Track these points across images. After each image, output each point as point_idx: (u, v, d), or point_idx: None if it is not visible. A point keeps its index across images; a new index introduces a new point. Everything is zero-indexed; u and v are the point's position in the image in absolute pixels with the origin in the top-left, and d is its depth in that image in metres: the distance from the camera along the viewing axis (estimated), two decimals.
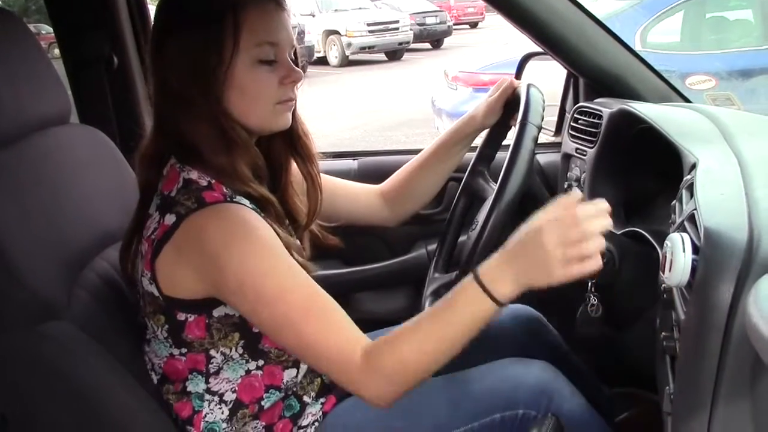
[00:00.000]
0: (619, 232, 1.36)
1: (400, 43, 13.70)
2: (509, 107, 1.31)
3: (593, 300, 1.21)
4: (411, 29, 13.92)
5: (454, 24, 16.61)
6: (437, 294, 1.20)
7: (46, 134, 1.19)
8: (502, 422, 1.16)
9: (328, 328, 1.00)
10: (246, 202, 1.06)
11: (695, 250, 0.84)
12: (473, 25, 19.13)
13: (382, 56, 13.70)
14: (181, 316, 1.06)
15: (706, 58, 4.60)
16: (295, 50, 1.13)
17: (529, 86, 1.18)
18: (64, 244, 1.09)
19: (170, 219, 1.03)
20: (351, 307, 1.10)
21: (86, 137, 1.33)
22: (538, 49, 1.73)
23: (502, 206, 1.03)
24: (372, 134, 7.39)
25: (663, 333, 0.96)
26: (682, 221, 0.94)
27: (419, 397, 1.20)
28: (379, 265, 1.86)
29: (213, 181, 1.06)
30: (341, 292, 1.84)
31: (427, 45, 15.19)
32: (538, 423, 1.10)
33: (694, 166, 1.02)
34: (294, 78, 1.10)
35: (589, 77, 1.69)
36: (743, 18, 5.00)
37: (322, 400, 1.22)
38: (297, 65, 1.13)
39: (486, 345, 1.37)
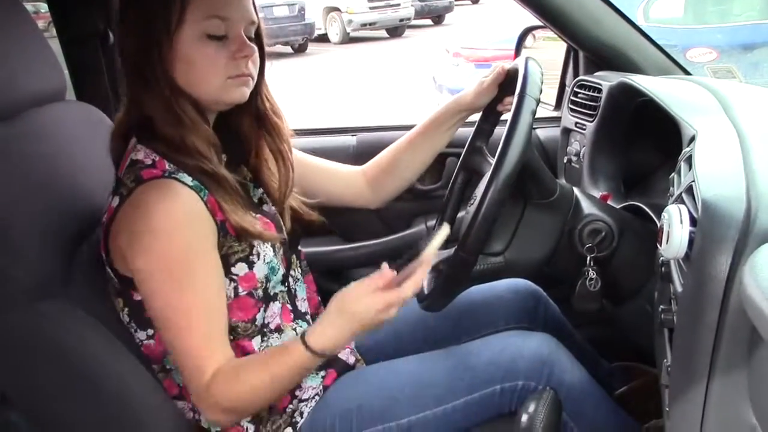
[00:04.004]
0: (618, 206, 1.36)
1: (402, 20, 13.58)
2: (504, 86, 1.30)
3: (592, 274, 1.21)
4: (412, 5, 13.77)
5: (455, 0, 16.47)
6: (436, 269, 1.19)
7: (42, 111, 1.19)
8: (502, 393, 1.17)
9: (195, 340, 1.04)
10: (187, 179, 1.05)
11: (693, 222, 0.84)
12: (474, 0, 18.97)
13: (383, 33, 13.60)
14: (137, 296, 1.08)
15: (708, 32, 4.56)
16: (259, 27, 1.13)
17: (527, 59, 1.16)
18: (60, 222, 1.08)
19: (115, 201, 1.06)
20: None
21: (82, 114, 1.32)
22: (537, 22, 1.72)
23: (500, 180, 1.02)
24: (372, 111, 7.36)
25: (661, 306, 0.96)
26: (680, 193, 0.94)
27: (420, 369, 1.22)
28: (379, 241, 1.86)
29: (157, 159, 1.06)
30: (340, 268, 1.87)
31: (429, 21, 15.07)
32: (536, 396, 1.10)
33: (693, 138, 1.02)
34: (246, 53, 1.09)
35: (589, 50, 1.68)
36: None
37: (322, 373, 1.23)
38: (262, 44, 1.14)
39: (486, 318, 1.38)
